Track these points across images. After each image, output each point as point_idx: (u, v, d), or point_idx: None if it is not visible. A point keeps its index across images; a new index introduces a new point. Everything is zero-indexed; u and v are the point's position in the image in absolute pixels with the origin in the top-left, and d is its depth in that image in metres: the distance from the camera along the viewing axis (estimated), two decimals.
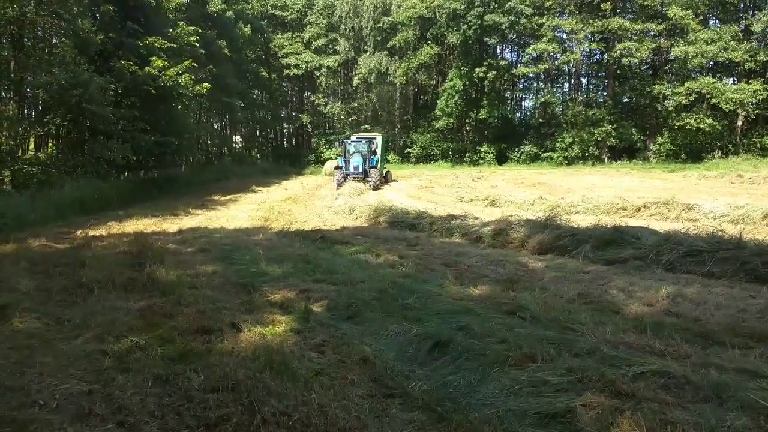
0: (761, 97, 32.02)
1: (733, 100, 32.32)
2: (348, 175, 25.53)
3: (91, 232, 11.58)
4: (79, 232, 11.45)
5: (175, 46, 23.91)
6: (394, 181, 29.27)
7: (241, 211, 18.15)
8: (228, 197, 22.81)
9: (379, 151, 28.00)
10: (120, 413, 3.35)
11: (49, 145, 23.06)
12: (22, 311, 5.29)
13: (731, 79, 36.97)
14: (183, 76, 22.91)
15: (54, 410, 3.34)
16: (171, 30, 25.20)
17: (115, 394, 3.57)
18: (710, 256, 7.49)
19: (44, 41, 22.03)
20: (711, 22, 37.35)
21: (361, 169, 25.56)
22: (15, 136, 19.30)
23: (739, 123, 34.68)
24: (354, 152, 26.40)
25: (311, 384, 3.76)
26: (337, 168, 27.26)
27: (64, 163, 19.49)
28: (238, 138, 52.43)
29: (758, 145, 33.61)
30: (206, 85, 24.98)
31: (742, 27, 34.46)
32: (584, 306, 5.87)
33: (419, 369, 4.21)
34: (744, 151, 33.50)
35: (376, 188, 24.67)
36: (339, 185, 24.50)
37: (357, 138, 28.59)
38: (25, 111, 23.44)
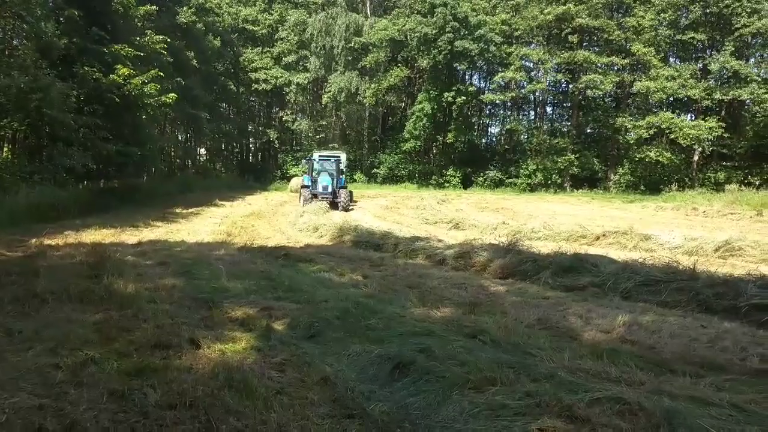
0: (716, 134, 33.35)
1: (690, 136, 33.60)
2: (316, 195, 24.40)
3: (47, 241, 11.22)
4: (33, 241, 11.08)
5: (142, 54, 23.57)
6: (356, 201, 28.39)
7: (203, 225, 17.88)
8: (190, 210, 22.46)
9: (344, 169, 27.38)
10: (72, 429, 3.24)
11: (5, 149, 22.40)
12: None
13: (689, 115, 38.57)
14: (149, 85, 22.57)
15: (2, 425, 3.22)
16: (138, 38, 24.87)
17: (68, 409, 3.46)
18: (665, 286, 7.73)
19: (4, 43, 21.50)
20: (672, 59, 38.91)
21: (330, 189, 24.50)
22: None
23: (696, 158, 36.10)
24: (321, 171, 25.31)
25: (271, 403, 3.72)
26: (303, 186, 25.88)
27: (20, 168, 18.89)
28: (202, 151, 51.83)
29: (712, 180, 34.98)
30: (172, 95, 24.63)
31: (700, 66, 35.95)
32: (543, 331, 5.97)
33: (380, 390, 4.20)
34: (699, 185, 34.79)
35: (345, 209, 23.77)
36: (305, 204, 23.47)
37: (321, 156, 27.44)
38: None
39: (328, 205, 23.48)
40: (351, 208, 24.79)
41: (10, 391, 3.66)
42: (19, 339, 4.86)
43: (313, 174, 25.48)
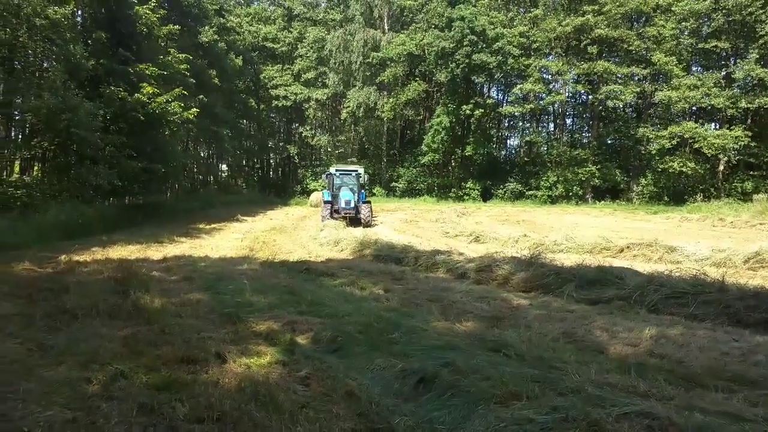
0: (742, 143, 32.80)
1: (715, 145, 33.10)
2: (338, 210, 23.31)
3: (75, 258, 11.41)
4: (62, 257, 11.28)
5: (165, 73, 24.02)
6: (375, 216, 27.03)
7: (225, 240, 18.06)
8: (213, 226, 22.69)
9: (365, 184, 26.56)
10: None
11: (35, 168, 22.92)
12: (4, 336, 5.22)
13: (713, 124, 37.99)
14: (173, 103, 22.97)
15: None
16: (162, 57, 25.36)
17: (99, 422, 3.53)
18: (693, 298, 7.59)
19: (35, 65, 22.08)
20: (694, 68, 38.52)
21: (352, 205, 23.33)
22: (0, 159, 19.13)
23: (721, 167, 35.52)
24: (342, 185, 24.39)
25: (296, 417, 3.75)
26: (326, 202, 24.55)
27: (50, 186, 19.32)
28: (224, 167, 52.50)
29: (739, 190, 34.34)
30: (194, 110, 25.02)
31: (724, 74, 35.50)
32: (568, 345, 5.92)
33: (404, 404, 4.20)
34: (725, 195, 34.20)
35: (367, 225, 22.67)
36: (325, 221, 22.59)
37: (339, 170, 26.27)
38: (12, 134, 23.36)
39: (347, 221, 22.46)
40: (374, 223, 23.75)
41: (44, 405, 3.74)
42: (51, 353, 4.97)
43: (334, 189, 24.67)
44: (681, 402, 4.16)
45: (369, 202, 24.63)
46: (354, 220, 23.03)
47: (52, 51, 20.22)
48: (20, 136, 23.19)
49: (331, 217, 23.11)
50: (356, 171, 26.02)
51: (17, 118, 22.07)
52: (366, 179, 26.49)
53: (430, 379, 4.57)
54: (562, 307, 8.08)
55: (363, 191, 25.37)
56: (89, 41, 21.77)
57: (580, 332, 6.50)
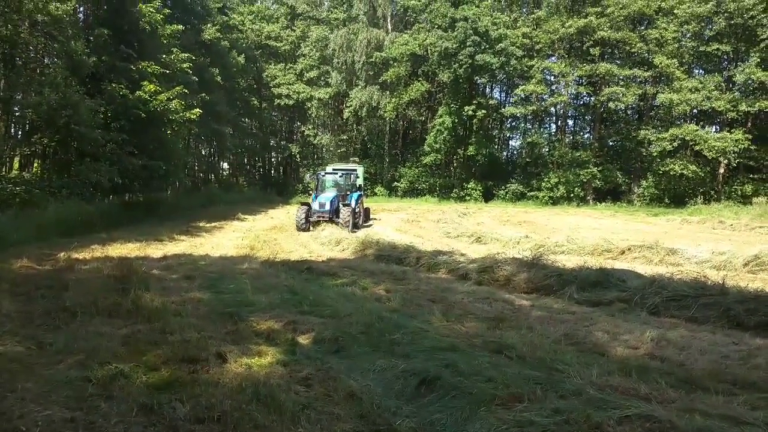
0: (743, 146, 32.73)
1: (716, 148, 33.01)
2: (314, 213, 20.70)
3: (75, 255, 11.41)
4: (62, 254, 11.27)
5: (167, 71, 23.96)
6: (372, 220, 25.31)
7: (226, 239, 18.02)
8: (213, 224, 22.65)
9: (361, 183, 24.67)
10: None
11: (35, 165, 22.88)
12: (2, 334, 5.20)
13: (714, 127, 37.90)
14: (174, 101, 22.93)
15: None
16: (164, 56, 25.31)
17: (99, 422, 3.52)
18: (694, 301, 7.60)
19: (36, 61, 22.04)
20: (695, 71, 38.38)
21: (327, 208, 20.58)
22: (0, 155, 19.09)
23: (721, 170, 35.44)
24: (330, 186, 22.18)
25: (298, 418, 3.74)
26: (302, 204, 21.79)
27: (49, 183, 19.29)
28: (225, 165, 52.47)
29: (739, 193, 34.29)
30: (196, 110, 24.97)
31: (725, 77, 35.45)
32: (570, 347, 5.91)
33: (406, 405, 4.19)
34: (725, 198, 34.13)
35: (352, 228, 20.09)
36: (300, 227, 20.32)
37: (335, 169, 24.39)
38: (12, 130, 23.33)
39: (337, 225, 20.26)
40: (353, 230, 20.21)
41: (43, 403, 3.73)
42: (50, 352, 4.96)
43: (319, 191, 22.26)
44: (682, 405, 4.15)
45: (349, 205, 21.23)
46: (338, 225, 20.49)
47: (53, 47, 20.21)
48: (20, 133, 23.16)
49: (306, 222, 20.49)
50: (351, 170, 24.17)
51: (17, 114, 22.01)
52: (354, 178, 23.74)
53: (432, 380, 4.56)
54: (564, 308, 8.08)
55: (356, 192, 22.86)
56: (91, 38, 21.71)
57: (581, 334, 6.50)
